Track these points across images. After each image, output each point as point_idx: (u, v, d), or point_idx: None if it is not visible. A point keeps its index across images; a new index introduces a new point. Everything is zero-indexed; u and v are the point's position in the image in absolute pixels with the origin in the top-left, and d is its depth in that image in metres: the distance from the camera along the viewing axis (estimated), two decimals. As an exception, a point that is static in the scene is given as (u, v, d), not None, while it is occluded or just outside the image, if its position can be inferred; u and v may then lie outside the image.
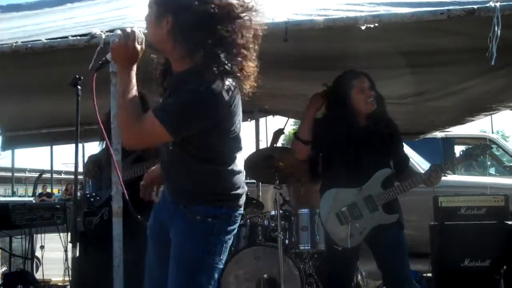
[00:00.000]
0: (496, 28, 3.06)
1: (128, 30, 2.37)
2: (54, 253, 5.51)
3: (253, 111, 7.09)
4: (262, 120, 7.74)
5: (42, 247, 5.35)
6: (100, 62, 2.50)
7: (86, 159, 4.91)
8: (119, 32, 2.37)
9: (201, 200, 2.50)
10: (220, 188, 2.52)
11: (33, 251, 5.34)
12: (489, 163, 9.90)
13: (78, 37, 3.72)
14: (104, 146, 4.54)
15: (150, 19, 2.44)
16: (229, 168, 2.52)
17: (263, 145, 7.73)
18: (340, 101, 3.86)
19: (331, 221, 3.85)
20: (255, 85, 2.46)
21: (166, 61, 2.55)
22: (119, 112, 2.49)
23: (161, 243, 2.62)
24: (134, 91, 2.39)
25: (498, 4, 3.10)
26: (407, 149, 8.19)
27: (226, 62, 2.32)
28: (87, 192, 4.70)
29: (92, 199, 4.43)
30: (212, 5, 2.30)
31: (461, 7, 3.18)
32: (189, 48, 2.34)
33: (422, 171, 7.92)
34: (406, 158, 4.16)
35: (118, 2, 5.03)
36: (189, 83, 2.31)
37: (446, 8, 3.20)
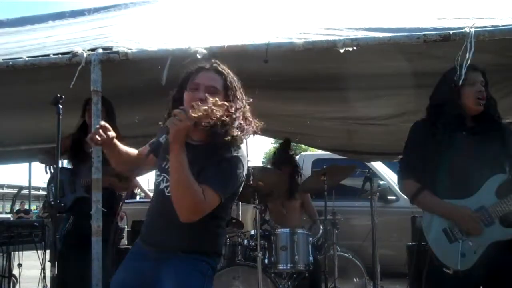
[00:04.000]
0: (467, 52, 3.14)
1: (182, 112, 2.40)
2: (31, 271, 5.45)
3: (234, 130, 7.10)
4: (242, 139, 7.74)
5: (19, 265, 5.29)
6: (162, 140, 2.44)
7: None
8: (177, 112, 2.40)
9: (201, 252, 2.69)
10: (219, 246, 2.79)
11: (10, 269, 5.28)
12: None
13: (60, 55, 3.74)
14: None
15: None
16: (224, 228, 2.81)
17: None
18: (448, 99, 3.28)
19: (437, 239, 3.19)
20: None
21: None
22: (181, 189, 2.46)
23: None
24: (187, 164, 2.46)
25: (472, 29, 3.20)
26: (384, 169, 8.35)
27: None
28: (51, 199, 4.58)
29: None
30: None
31: (437, 32, 3.27)
32: None
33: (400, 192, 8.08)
34: None
35: (100, 21, 5.06)
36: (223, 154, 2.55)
37: (423, 33, 3.28)
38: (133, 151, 2.90)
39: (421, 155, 3.28)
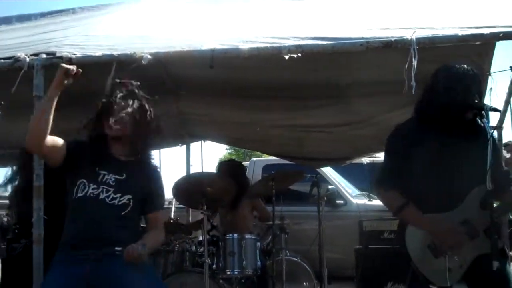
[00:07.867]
0: (413, 59, 3.21)
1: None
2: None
3: (184, 136, 7.08)
4: (194, 145, 7.71)
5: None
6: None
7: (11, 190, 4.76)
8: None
9: None
10: None
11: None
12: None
13: (2, 60, 3.66)
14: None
15: None
16: None
17: (194, 170, 7.71)
18: (437, 95, 3.08)
19: (422, 255, 3.06)
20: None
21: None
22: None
23: None
24: None
25: (414, 36, 3.27)
26: (333, 174, 8.45)
27: None
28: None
29: (16, 231, 4.32)
30: None
31: (379, 39, 3.34)
32: None
33: (348, 196, 8.19)
34: (507, 171, 3.11)
35: (45, 26, 4.97)
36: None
37: (365, 40, 3.35)
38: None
39: (404, 162, 3.10)
